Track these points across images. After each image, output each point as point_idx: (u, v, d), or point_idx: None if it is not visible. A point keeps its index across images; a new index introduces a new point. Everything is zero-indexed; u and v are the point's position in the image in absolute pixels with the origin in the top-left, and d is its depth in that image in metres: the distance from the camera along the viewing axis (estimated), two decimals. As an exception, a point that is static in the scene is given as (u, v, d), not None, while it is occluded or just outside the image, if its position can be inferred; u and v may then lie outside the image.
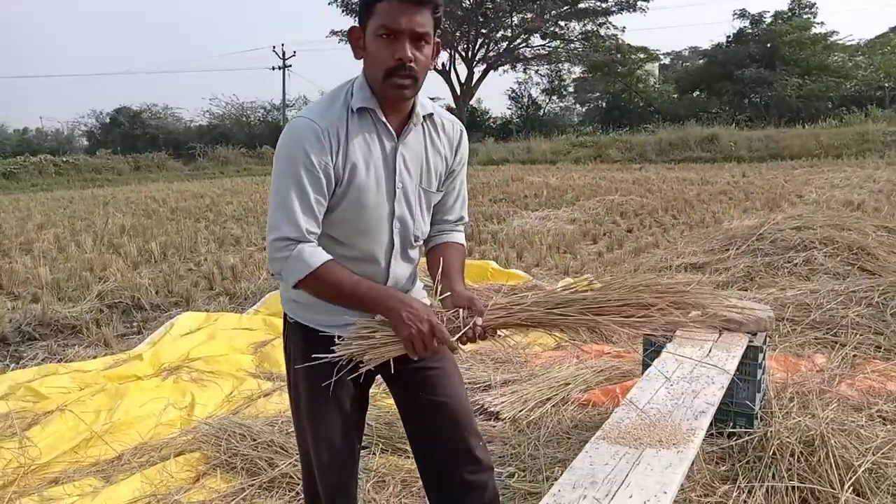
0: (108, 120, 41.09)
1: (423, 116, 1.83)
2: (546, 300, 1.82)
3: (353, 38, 1.74)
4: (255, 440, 3.19)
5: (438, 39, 1.75)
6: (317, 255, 1.69)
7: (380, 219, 1.80)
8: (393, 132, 1.77)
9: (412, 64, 1.65)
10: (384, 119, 1.75)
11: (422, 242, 1.97)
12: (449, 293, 1.80)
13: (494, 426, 3.40)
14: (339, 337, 1.76)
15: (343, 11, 35.20)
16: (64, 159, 28.93)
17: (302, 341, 1.89)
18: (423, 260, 2.01)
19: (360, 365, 1.73)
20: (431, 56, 1.72)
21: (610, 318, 1.79)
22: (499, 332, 1.82)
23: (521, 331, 1.87)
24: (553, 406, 3.57)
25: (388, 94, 1.70)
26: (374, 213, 1.78)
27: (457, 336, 1.71)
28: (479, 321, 1.73)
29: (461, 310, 1.74)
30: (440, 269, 1.87)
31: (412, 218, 1.86)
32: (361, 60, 1.75)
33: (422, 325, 1.64)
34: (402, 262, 1.90)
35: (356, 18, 1.79)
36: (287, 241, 1.68)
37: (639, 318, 1.79)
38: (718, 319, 1.85)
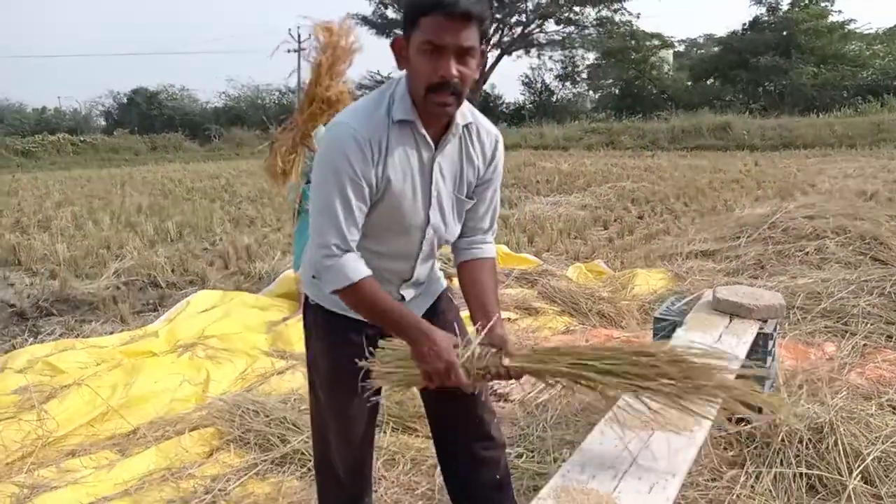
0: (125, 100, 41.18)
1: (463, 126, 1.81)
2: (581, 359, 1.77)
3: (397, 48, 1.69)
4: (268, 417, 3.24)
5: (484, 47, 1.71)
6: (359, 270, 1.71)
7: (414, 226, 1.81)
8: (431, 143, 1.75)
9: (456, 81, 1.61)
10: (423, 131, 1.72)
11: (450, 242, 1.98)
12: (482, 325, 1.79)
13: (503, 407, 3.44)
14: (369, 352, 1.81)
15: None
16: (82, 139, 29.11)
17: (324, 322, 1.93)
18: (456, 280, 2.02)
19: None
20: (476, 66, 1.68)
21: (657, 386, 1.73)
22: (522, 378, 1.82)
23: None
24: (562, 388, 3.58)
25: (430, 111, 1.68)
26: (408, 221, 1.79)
27: (474, 376, 1.73)
28: (506, 362, 1.73)
29: (490, 349, 1.75)
30: (475, 296, 1.88)
31: (445, 224, 1.86)
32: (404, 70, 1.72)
33: (439, 364, 1.67)
34: (427, 261, 1.94)
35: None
36: (333, 248, 1.69)
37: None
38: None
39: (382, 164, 1.69)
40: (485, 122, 1.87)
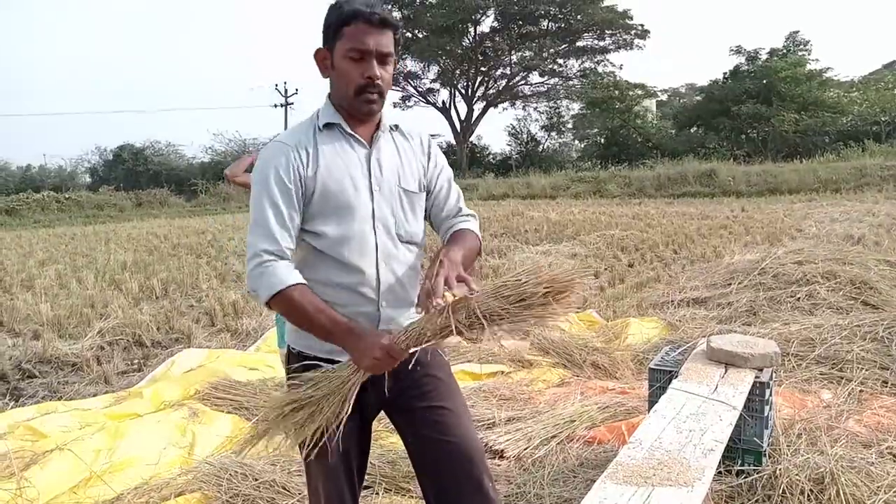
0: (111, 157, 41.38)
1: (390, 126, 1.97)
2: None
3: (320, 59, 1.88)
4: (256, 480, 3.14)
5: (395, 58, 1.89)
6: (291, 275, 1.77)
7: (362, 222, 1.87)
8: (364, 141, 1.89)
9: (379, 81, 1.81)
10: (350, 131, 1.88)
11: (416, 244, 1.98)
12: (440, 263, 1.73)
13: (499, 464, 3.36)
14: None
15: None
16: (66, 196, 29.11)
17: (301, 371, 1.90)
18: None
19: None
20: (392, 73, 1.89)
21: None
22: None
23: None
24: (558, 444, 3.52)
25: (359, 109, 1.85)
26: (356, 216, 1.86)
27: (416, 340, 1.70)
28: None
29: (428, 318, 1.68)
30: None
31: (394, 217, 1.92)
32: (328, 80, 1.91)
33: (376, 354, 1.70)
34: (394, 266, 1.92)
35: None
36: (264, 254, 1.77)
37: None
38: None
39: (314, 165, 1.83)
40: (413, 127, 2.06)
